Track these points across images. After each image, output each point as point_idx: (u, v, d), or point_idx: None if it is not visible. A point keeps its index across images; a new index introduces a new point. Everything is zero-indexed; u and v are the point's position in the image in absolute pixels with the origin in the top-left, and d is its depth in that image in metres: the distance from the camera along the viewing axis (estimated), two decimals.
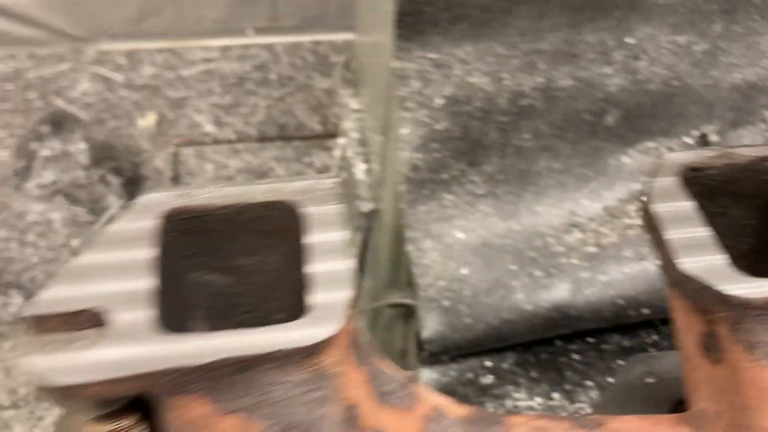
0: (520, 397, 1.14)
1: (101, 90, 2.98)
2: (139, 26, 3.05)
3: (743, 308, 0.34)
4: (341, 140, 1.68)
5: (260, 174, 2.77)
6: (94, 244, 0.39)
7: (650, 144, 1.12)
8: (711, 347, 0.37)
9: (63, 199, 2.61)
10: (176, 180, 2.73)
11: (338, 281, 0.36)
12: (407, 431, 0.39)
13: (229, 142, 2.86)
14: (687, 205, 0.39)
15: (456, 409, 0.42)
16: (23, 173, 2.64)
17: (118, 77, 3.02)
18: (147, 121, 2.90)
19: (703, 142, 1.12)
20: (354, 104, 1.70)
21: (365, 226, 1.55)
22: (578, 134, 1.09)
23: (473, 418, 0.41)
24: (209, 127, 2.88)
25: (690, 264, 0.36)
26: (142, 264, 0.37)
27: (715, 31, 1.05)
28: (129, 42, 3.11)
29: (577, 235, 1.13)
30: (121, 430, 0.36)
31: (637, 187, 1.13)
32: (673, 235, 0.38)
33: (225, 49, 3.13)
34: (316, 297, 0.36)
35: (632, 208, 1.13)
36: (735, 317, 0.35)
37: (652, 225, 0.40)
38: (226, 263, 0.42)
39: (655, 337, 1.19)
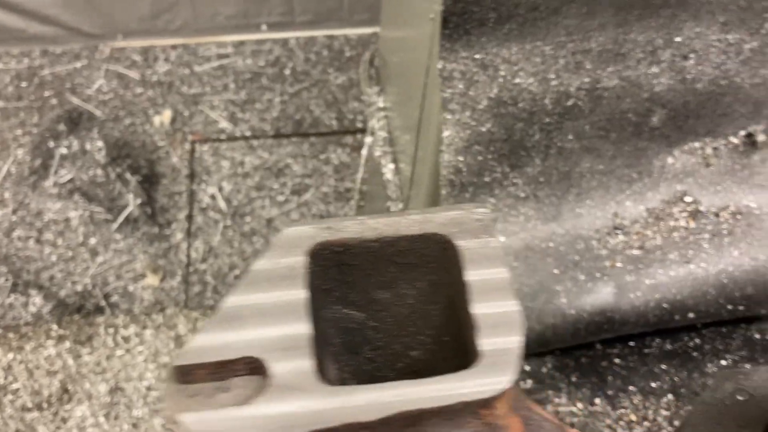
0: (561, 402, 1.12)
1: (116, 87, 2.97)
2: (153, 23, 3.03)
3: None
4: (368, 139, 1.66)
5: (276, 171, 2.75)
6: (244, 283, 0.36)
7: (696, 144, 1.10)
8: None
9: (80, 198, 2.59)
10: (192, 177, 2.71)
11: (509, 324, 0.34)
12: None
13: (245, 138, 2.84)
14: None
15: None
16: (40, 172, 2.62)
17: (133, 74, 3.00)
18: (162, 117, 2.88)
19: (750, 141, 1.09)
20: (380, 102, 1.68)
21: None
22: (622, 135, 1.06)
23: None
24: (224, 124, 2.86)
25: None
26: (299, 306, 0.34)
27: (766, 29, 1.02)
28: (144, 39, 3.09)
29: (620, 238, 1.11)
30: None
31: (682, 188, 1.11)
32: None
33: (239, 45, 3.11)
34: (487, 342, 0.33)
35: (677, 209, 1.11)
36: None
37: None
38: (362, 296, 0.40)
39: (697, 341, 1.17)
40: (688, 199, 1.12)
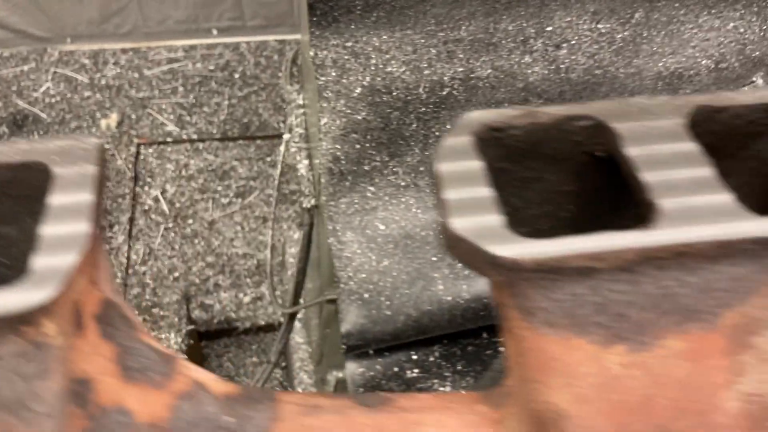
0: (446, 391, 1.12)
1: (64, 90, 2.96)
2: (102, 27, 3.03)
3: (515, 271, 0.33)
4: (286, 136, 1.66)
5: (221, 174, 2.75)
6: None
7: None
8: None
9: None
10: (136, 180, 2.70)
11: (67, 245, 0.34)
12: (154, 409, 0.37)
13: (191, 141, 2.83)
14: (473, 165, 0.37)
15: (220, 386, 0.40)
16: None
17: (81, 77, 3.00)
18: (109, 121, 2.87)
19: None
20: (299, 100, 1.68)
21: (308, 222, 1.54)
22: None
23: (238, 395, 0.39)
24: (171, 127, 2.86)
25: (462, 224, 0.34)
26: None
27: (636, 19, 1.04)
28: (93, 43, 3.08)
29: None
30: None
31: None
32: (451, 195, 0.36)
33: (190, 49, 3.11)
34: (38, 261, 0.33)
35: None
36: (509, 282, 0.33)
37: (435, 185, 0.38)
38: None
39: None
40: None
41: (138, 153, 2.79)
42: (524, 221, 0.41)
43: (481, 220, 0.34)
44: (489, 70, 1.04)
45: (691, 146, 0.37)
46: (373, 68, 1.01)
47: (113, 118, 2.87)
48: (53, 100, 2.92)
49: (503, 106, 0.40)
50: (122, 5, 2.96)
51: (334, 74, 1.01)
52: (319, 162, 1.06)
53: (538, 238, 0.36)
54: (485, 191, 0.35)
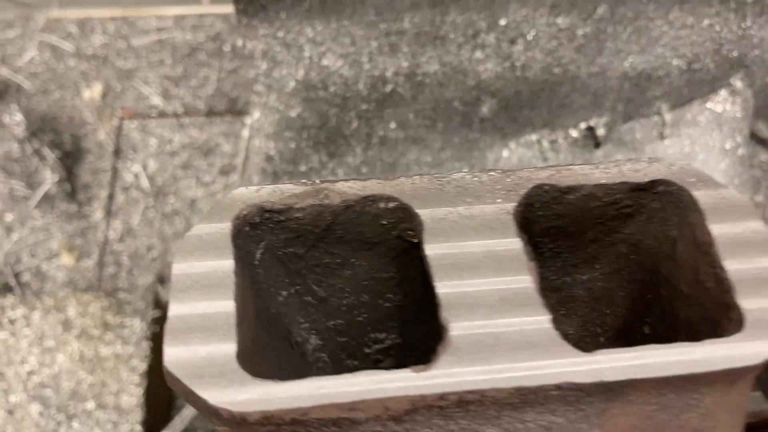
0: None
1: (49, 59, 2.88)
2: None
3: (241, 424, 0.25)
4: (249, 120, 1.59)
5: (206, 150, 2.68)
6: None
7: (533, 137, 1.02)
8: None
9: (0, 172, 2.52)
10: (118, 154, 2.64)
11: None
12: None
13: (176, 115, 2.76)
14: (222, 266, 0.29)
15: None
16: None
17: (67, 46, 2.92)
18: (92, 92, 2.80)
19: (591, 135, 1.02)
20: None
21: None
22: (450, 125, 0.99)
23: None
24: (156, 100, 2.78)
25: (176, 357, 0.26)
26: None
27: (599, 14, 0.94)
28: (81, 9, 3.00)
29: None
30: None
31: None
32: (174, 310, 0.28)
33: (180, 19, 3.02)
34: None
35: None
36: None
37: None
38: None
39: None
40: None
41: (120, 126, 2.72)
42: (333, 314, 0.33)
43: (205, 351, 0.26)
44: (436, 66, 0.95)
45: (514, 243, 0.28)
46: (307, 61, 0.93)
47: (96, 89, 2.80)
48: (38, 69, 2.85)
49: (293, 183, 0.32)
50: None
51: (264, 66, 0.92)
52: (251, 161, 0.99)
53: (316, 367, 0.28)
54: (224, 305, 0.27)
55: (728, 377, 0.27)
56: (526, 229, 0.32)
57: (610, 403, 0.25)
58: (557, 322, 0.31)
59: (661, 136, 1.04)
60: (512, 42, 0.95)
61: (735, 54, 1.00)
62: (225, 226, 0.30)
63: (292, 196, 0.30)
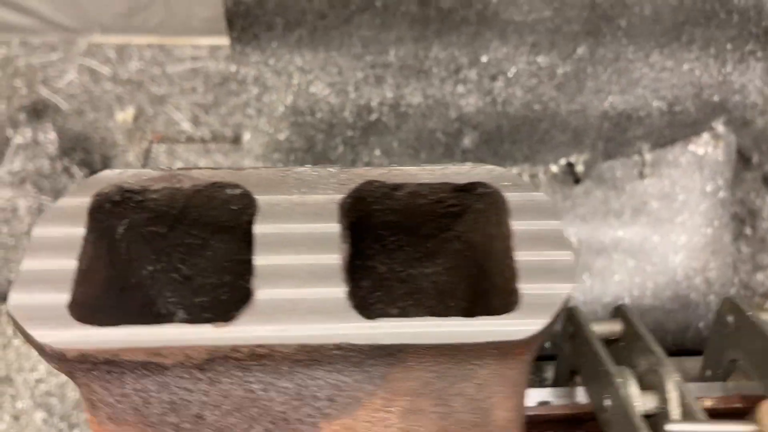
0: None
1: (87, 82, 3.00)
2: (130, 21, 3.06)
3: (69, 362, 0.28)
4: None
5: None
6: None
7: (513, 170, 1.05)
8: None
9: (32, 188, 2.62)
10: None
11: None
12: None
13: (203, 141, 2.84)
14: (74, 233, 0.33)
15: None
16: None
17: (105, 70, 3.04)
18: (125, 115, 2.90)
19: (570, 171, 1.04)
20: None
21: None
22: (433, 154, 1.03)
23: None
24: (185, 125, 2.87)
25: (17, 301, 0.30)
26: None
27: (579, 54, 0.98)
28: (121, 36, 3.13)
29: None
30: None
31: None
32: (25, 265, 0.32)
33: (214, 49, 3.13)
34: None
35: None
36: (70, 372, 0.29)
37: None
38: None
39: None
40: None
41: (149, 149, 2.81)
42: (199, 291, 0.37)
43: (43, 299, 0.30)
44: (420, 98, 0.99)
45: (333, 227, 0.32)
46: (295, 88, 0.97)
47: (129, 112, 2.90)
48: (76, 91, 2.97)
49: (152, 168, 0.37)
50: (149, 1, 2.99)
51: (255, 91, 0.97)
52: None
53: (201, 312, 0.32)
54: (68, 264, 0.31)
55: (497, 350, 0.30)
56: (363, 221, 0.35)
57: (391, 367, 0.29)
58: (404, 312, 0.34)
59: (641, 176, 1.06)
60: (493, 78, 0.99)
61: (716, 98, 1.03)
62: (84, 201, 0.34)
63: (149, 179, 0.35)
